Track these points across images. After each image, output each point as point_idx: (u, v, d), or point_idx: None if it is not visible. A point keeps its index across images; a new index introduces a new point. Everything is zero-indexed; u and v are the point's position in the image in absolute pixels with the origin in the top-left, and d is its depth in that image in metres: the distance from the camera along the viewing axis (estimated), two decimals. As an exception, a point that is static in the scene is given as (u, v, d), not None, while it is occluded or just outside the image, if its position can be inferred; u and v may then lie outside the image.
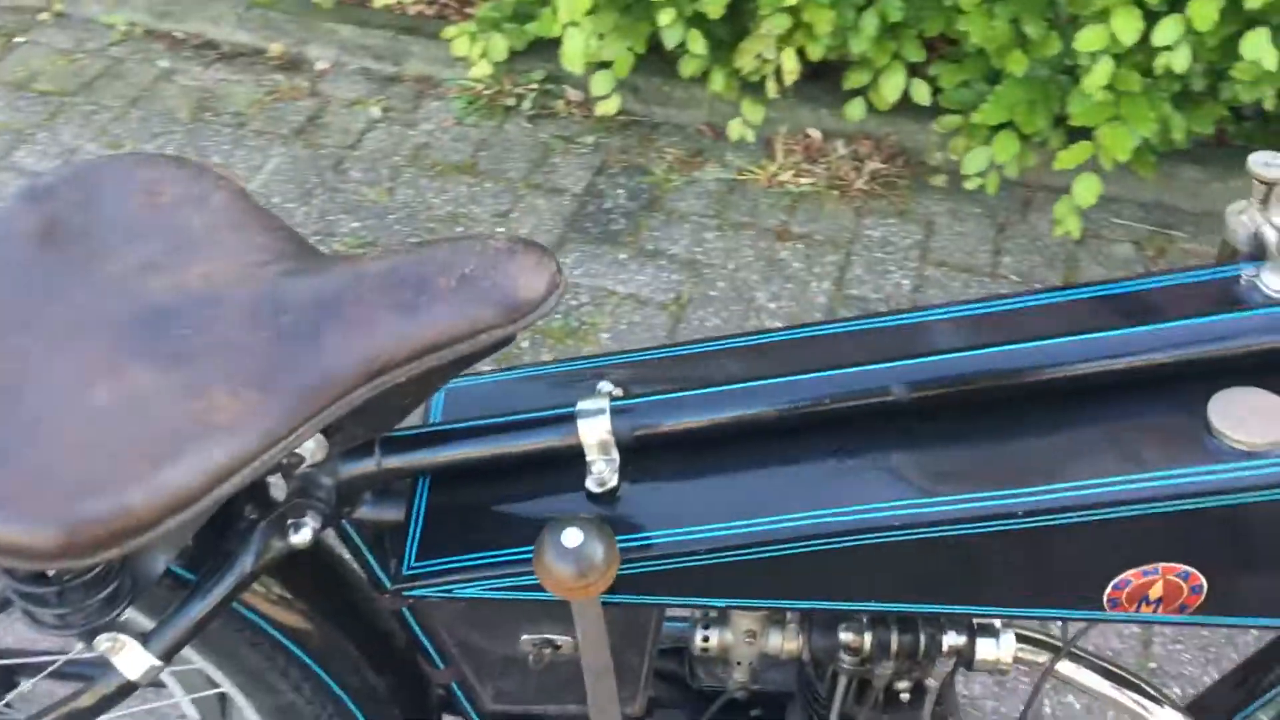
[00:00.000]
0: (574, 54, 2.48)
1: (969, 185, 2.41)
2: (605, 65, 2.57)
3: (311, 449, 0.82)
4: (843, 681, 0.97)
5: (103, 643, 0.84)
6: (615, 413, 0.83)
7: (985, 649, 0.96)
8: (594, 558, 0.71)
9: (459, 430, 0.87)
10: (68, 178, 0.87)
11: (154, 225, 0.84)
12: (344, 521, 0.90)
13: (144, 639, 0.85)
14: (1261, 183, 0.83)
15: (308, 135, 2.75)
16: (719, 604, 0.85)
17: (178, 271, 0.81)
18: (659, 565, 0.81)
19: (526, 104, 2.79)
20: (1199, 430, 0.76)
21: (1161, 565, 0.78)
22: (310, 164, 2.67)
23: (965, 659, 0.96)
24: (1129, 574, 0.79)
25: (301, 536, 0.84)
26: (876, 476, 0.80)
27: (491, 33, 2.74)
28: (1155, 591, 0.80)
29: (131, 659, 0.84)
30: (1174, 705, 0.97)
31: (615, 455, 0.83)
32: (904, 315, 0.90)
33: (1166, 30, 2.05)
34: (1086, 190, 2.27)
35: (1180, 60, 2.08)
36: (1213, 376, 0.78)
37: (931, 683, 0.96)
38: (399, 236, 2.48)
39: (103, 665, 0.85)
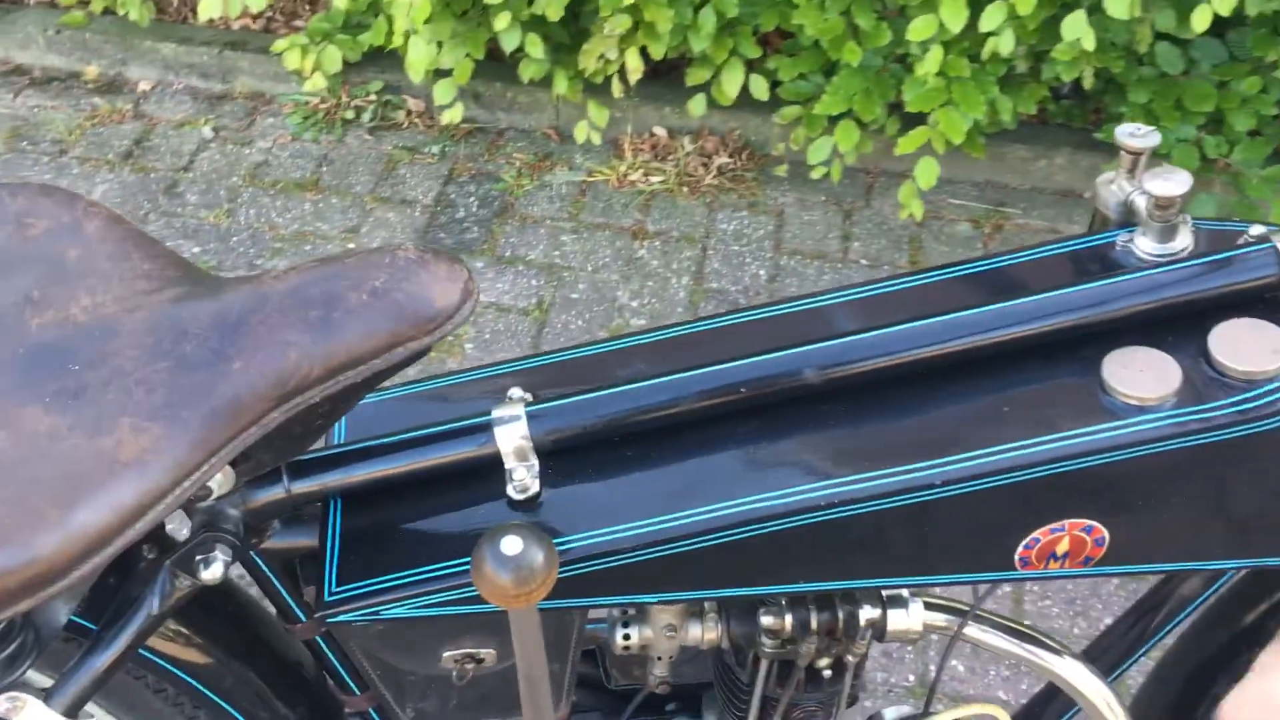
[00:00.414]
0: (416, 63, 2.44)
1: (815, 174, 2.47)
2: (446, 74, 2.54)
3: (219, 480, 0.79)
4: (764, 665, 0.98)
5: (2, 703, 0.79)
6: (531, 418, 0.82)
7: (896, 620, 0.98)
8: (534, 564, 0.70)
9: (369, 448, 0.85)
10: (-72, 212, 0.81)
11: (26, 258, 0.80)
12: (252, 553, 0.87)
13: (45, 696, 0.80)
14: (1129, 153, 0.88)
15: (136, 159, 2.63)
16: (648, 599, 0.85)
17: (60, 306, 0.77)
18: (587, 567, 0.80)
19: (366, 116, 2.74)
20: (1095, 390, 0.80)
21: (1068, 522, 0.81)
22: (141, 189, 2.56)
23: (878, 631, 0.98)
24: (1038, 533, 0.82)
25: (212, 572, 0.81)
26: (795, 460, 0.81)
27: (324, 44, 2.68)
28: (1062, 547, 0.83)
29: (34, 718, 0.79)
30: (1073, 655, 1.01)
31: (534, 461, 0.83)
32: (803, 301, 0.92)
33: (992, 16, 2.14)
34: (926, 173, 2.36)
35: (1006, 43, 2.17)
36: (1102, 338, 0.82)
37: (850, 658, 0.98)
38: (244, 259, 2.40)
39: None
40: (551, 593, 0.78)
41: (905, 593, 1.00)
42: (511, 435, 0.82)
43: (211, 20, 2.86)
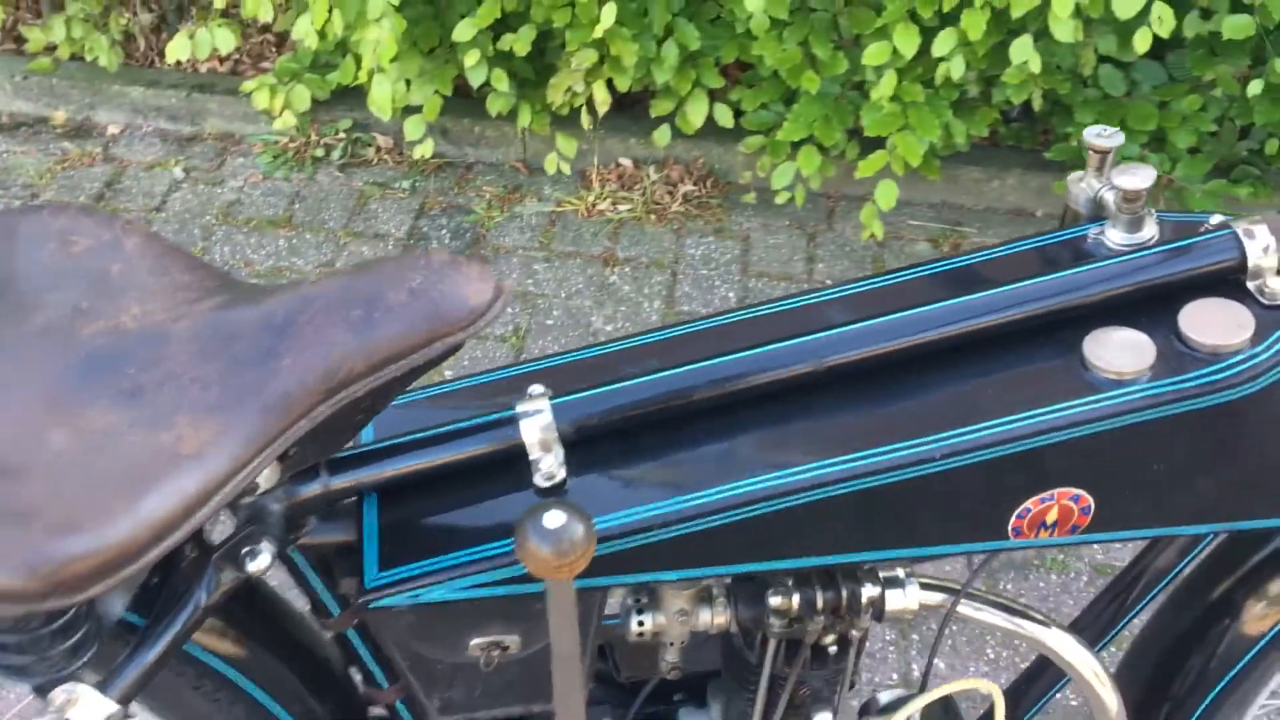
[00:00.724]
0: (382, 100, 2.50)
1: (779, 199, 2.55)
2: (414, 110, 2.60)
3: (265, 475, 0.83)
4: (772, 644, 1.03)
5: (59, 695, 0.83)
6: (555, 410, 0.87)
7: (894, 599, 1.04)
8: (575, 537, 0.75)
9: (401, 444, 0.89)
10: (-25, 231, 0.86)
11: (73, 273, 0.84)
12: (290, 549, 0.91)
13: (100, 687, 0.83)
14: (1096, 152, 0.96)
15: (108, 201, 2.66)
16: (672, 576, 0.89)
17: (108, 316, 0.81)
18: (615, 546, 0.85)
19: (336, 154, 2.79)
20: (1077, 368, 0.87)
21: (1057, 491, 0.88)
22: (115, 230, 2.58)
23: (878, 610, 1.04)
24: (1029, 503, 0.88)
25: (258, 564, 0.85)
26: (804, 441, 0.87)
27: (293, 84, 2.73)
28: (1051, 516, 0.90)
29: (89, 709, 0.83)
30: (1061, 627, 1.07)
31: (559, 450, 0.88)
32: (800, 298, 0.98)
33: (944, 41, 2.24)
34: (886, 195, 2.44)
35: (957, 68, 2.27)
36: (1080, 321, 0.89)
37: (855, 633, 1.03)
38: (222, 295, 2.42)
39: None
40: (584, 571, 0.83)
41: (901, 573, 1.06)
42: (537, 427, 0.87)
43: (179, 63, 2.90)
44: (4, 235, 0.85)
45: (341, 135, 2.81)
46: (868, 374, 0.90)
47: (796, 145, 2.52)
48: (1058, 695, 1.20)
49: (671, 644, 1.09)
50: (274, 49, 3.02)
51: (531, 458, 0.88)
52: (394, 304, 0.79)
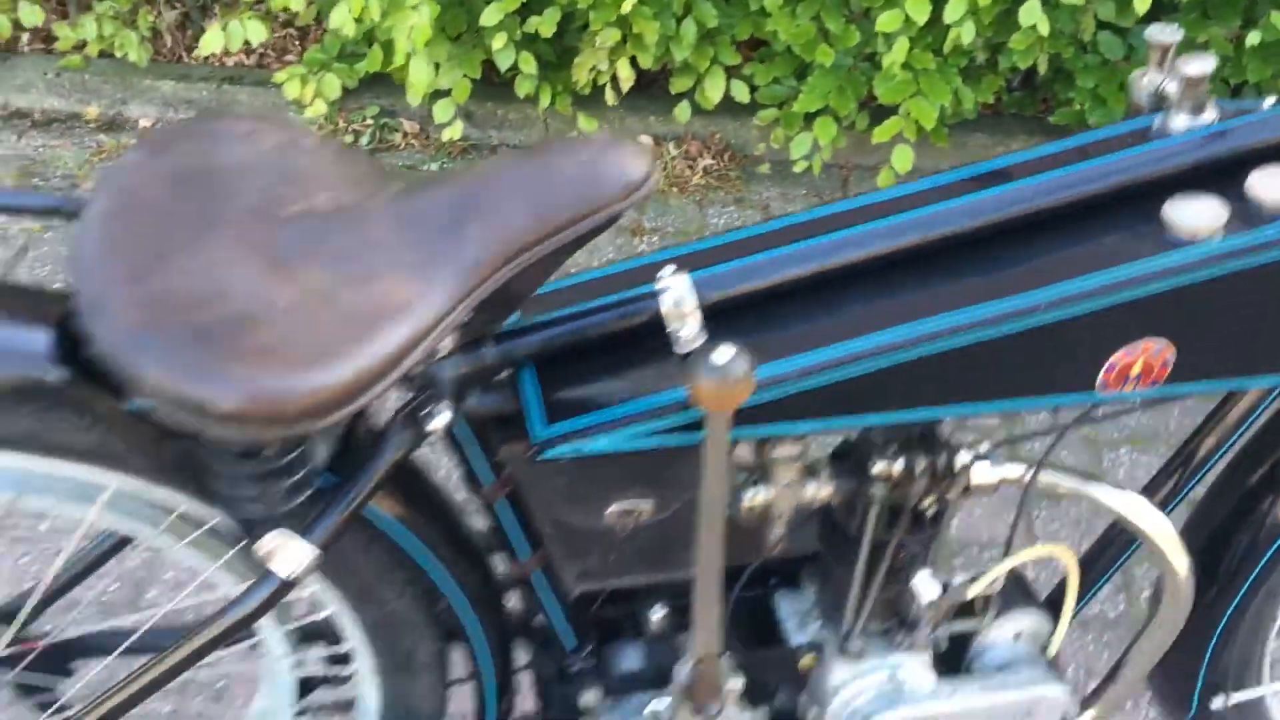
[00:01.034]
0: (419, 84, 2.60)
1: (797, 168, 2.66)
2: (443, 94, 2.70)
3: (444, 343, 0.92)
4: (874, 511, 1.13)
5: (268, 541, 0.92)
6: (692, 282, 0.97)
7: (982, 470, 1.14)
8: (739, 370, 0.85)
9: (553, 320, 0.99)
10: (174, 134, 0.95)
11: (263, 166, 0.93)
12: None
13: (304, 533, 0.93)
14: (1159, 48, 1.07)
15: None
16: (809, 428, 0.99)
17: (303, 200, 0.90)
18: (764, 397, 0.95)
19: (365, 139, 2.88)
20: (1158, 231, 0.98)
21: (1143, 343, 0.98)
22: (155, 216, 2.66)
23: (967, 481, 1.14)
24: (1117, 355, 0.99)
25: (437, 423, 0.94)
26: (924, 300, 0.97)
27: (322, 73, 2.82)
28: (1137, 368, 1.00)
29: (293, 554, 0.92)
30: (1134, 492, 1.18)
31: (697, 319, 0.97)
32: (900, 187, 1.08)
33: (955, 8, 2.36)
34: (902, 159, 2.57)
35: (967, 34, 2.39)
36: (1155, 194, 1.00)
37: (950, 496, 1.13)
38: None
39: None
40: (735, 421, 0.93)
41: (987, 445, 1.16)
42: (675, 298, 0.96)
43: (207, 58, 3.00)
44: (200, 135, 0.94)
45: (369, 121, 2.90)
46: (977, 242, 1.00)
47: (811, 117, 2.64)
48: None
49: (778, 518, 1.18)
50: (297, 42, 3.11)
51: (671, 328, 0.98)
52: (563, 179, 0.89)
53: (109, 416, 0.90)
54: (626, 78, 2.62)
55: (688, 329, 0.97)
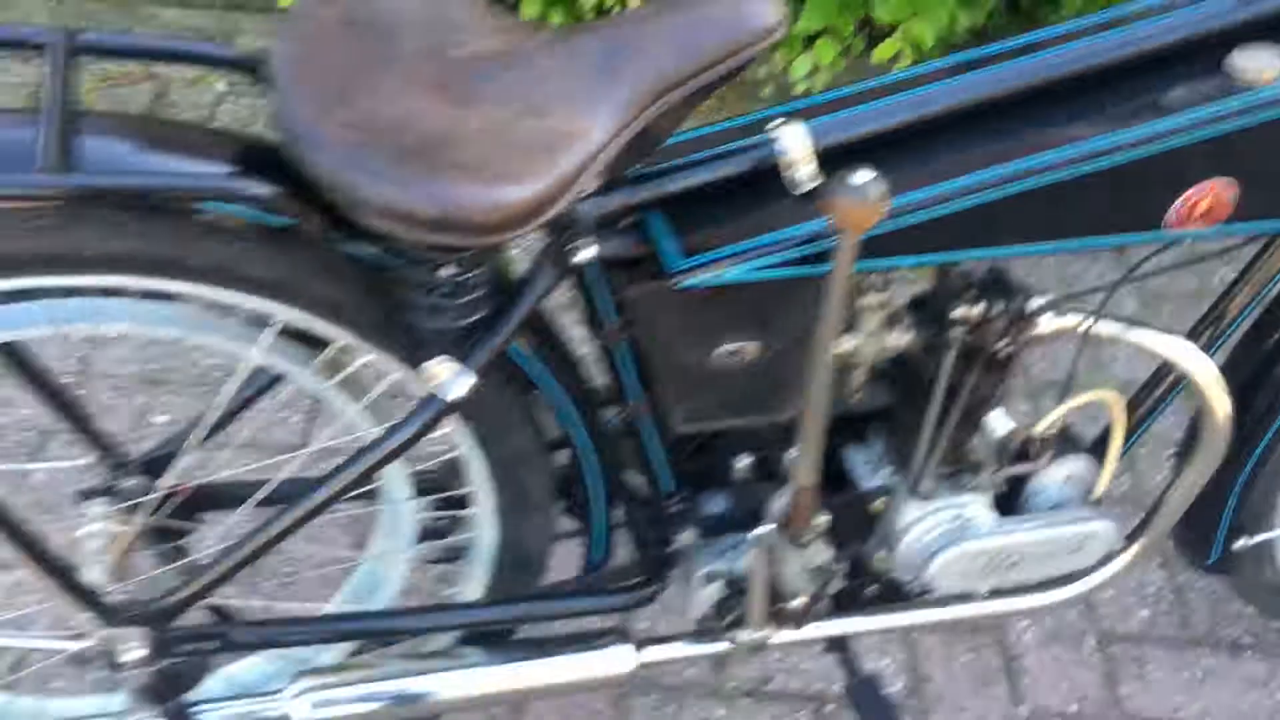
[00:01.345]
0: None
1: (798, 89, 2.75)
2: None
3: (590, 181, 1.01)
4: (951, 356, 1.23)
5: (431, 366, 1.00)
6: (808, 129, 1.06)
7: (1049, 320, 1.24)
8: (876, 192, 0.94)
9: (678, 166, 1.08)
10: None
11: (426, 16, 1.00)
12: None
13: (461, 359, 1.01)
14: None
15: (160, 113, 2.77)
16: (913, 261, 1.09)
17: (467, 45, 0.98)
18: (883, 228, 1.04)
19: (371, 65, 2.92)
20: (1225, 79, 1.08)
21: (1212, 181, 1.09)
22: (167, 141, 2.69)
23: (1036, 329, 1.24)
24: (1187, 193, 1.10)
25: (584, 256, 1.03)
26: (1028, 138, 1.07)
27: None
28: (1204, 205, 1.11)
29: (454, 378, 1.00)
30: (1180, 335, 1.29)
31: (814, 164, 1.07)
32: (992, 46, 1.17)
33: (955, -72, 2.46)
34: (902, 76, 2.66)
35: (967, -47, 2.49)
36: (1216, 49, 1.10)
37: (1023, 338, 1.23)
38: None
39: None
40: (865, 252, 1.02)
41: (1051, 295, 1.26)
42: (793, 143, 1.05)
43: (208, -15, 3.01)
44: None
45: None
46: (1054, 93, 1.10)
47: (810, 40, 2.72)
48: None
49: (859, 366, 1.28)
50: (296, -29, 3.13)
51: (788, 173, 1.07)
52: (705, 24, 0.98)
53: (307, 249, 0.98)
54: (635, 3, 2.68)
55: (805, 172, 1.06)
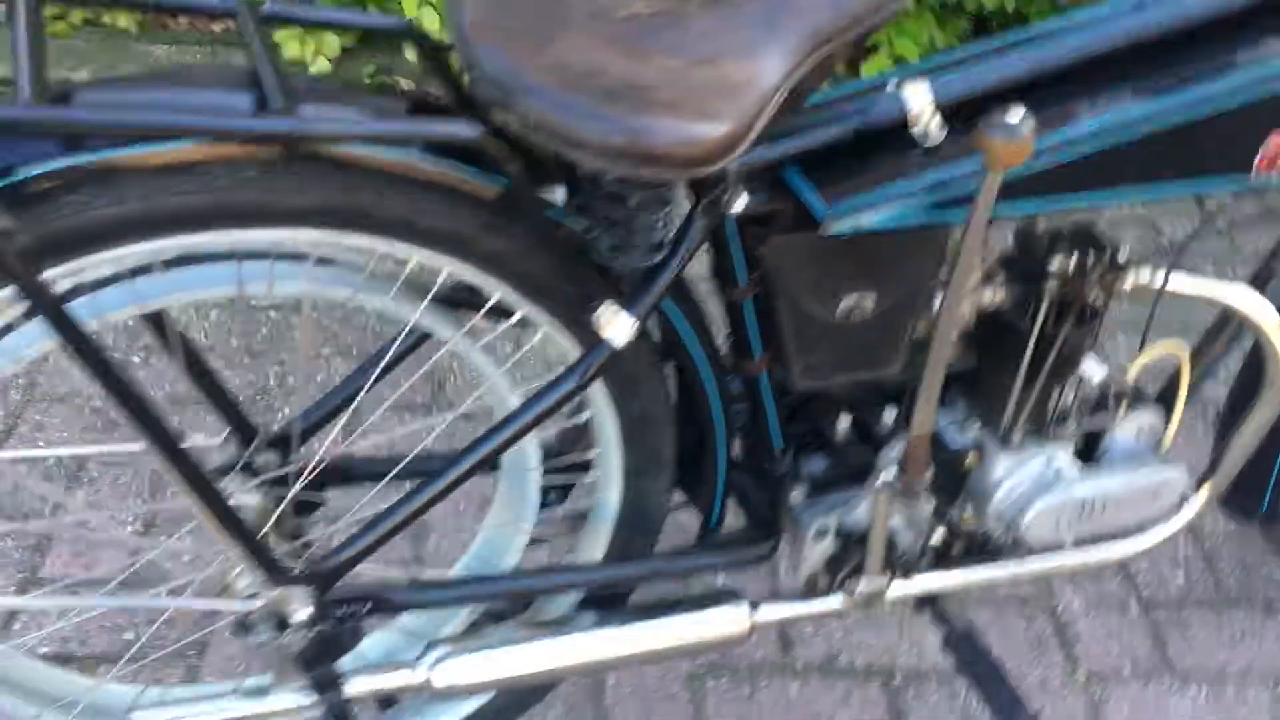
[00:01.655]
0: (434, 31, 2.69)
1: (788, 107, 2.84)
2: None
3: (748, 132, 1.06)
4: (1045, 306, 1.30)
5: (602, 312, 1.04)
6: (932, 86, 1.13)
7: (1135, 272, 1.32)
8: (1027, 129, 1.01)
9: (812, 124, 1.14)
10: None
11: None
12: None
13: (626, 306, 1.06)
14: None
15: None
16: (1037, 207, 1.16)
17: (626, 7, 1.03)
18: (1029, 169, 1.12)
19: (365, 96, 2.95)
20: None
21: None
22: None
23: (1125, 280, 1.32)
24: (1272, 137, 1.18)
25: (737, 205, 1.08)
26: (1130, 94, 1.15)
27: (321, 32, 2.89)
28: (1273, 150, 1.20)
29: (620, 323, 1.05)
30: (1244, 283, 1.38)
31: (939, 119, 1.13)
32: (1094, 10, 1.24)
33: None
34: (890, 92, 2.78)
35: (950, -26, 2.62)
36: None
37: (1108, 294, 1.31)
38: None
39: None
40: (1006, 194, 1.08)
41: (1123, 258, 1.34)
42: (920, 99, 1.12)
43: (192, 24, 3.03)
44: None
45: (368, 80, 2.97)
46: (1154, 49, 1.18)
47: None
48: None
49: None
50: (282, 8, 3.16)
51: (916, 127, 1.13)
52: (854, -19, 1.04)
53: (482, 204, 1.02)
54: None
55: (933, 125, 1.13)
